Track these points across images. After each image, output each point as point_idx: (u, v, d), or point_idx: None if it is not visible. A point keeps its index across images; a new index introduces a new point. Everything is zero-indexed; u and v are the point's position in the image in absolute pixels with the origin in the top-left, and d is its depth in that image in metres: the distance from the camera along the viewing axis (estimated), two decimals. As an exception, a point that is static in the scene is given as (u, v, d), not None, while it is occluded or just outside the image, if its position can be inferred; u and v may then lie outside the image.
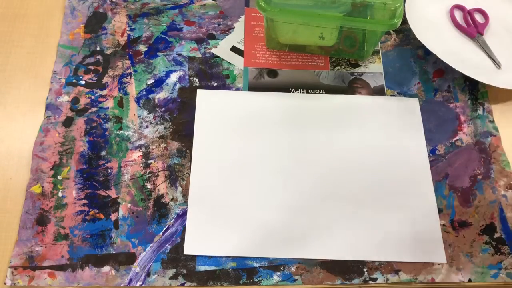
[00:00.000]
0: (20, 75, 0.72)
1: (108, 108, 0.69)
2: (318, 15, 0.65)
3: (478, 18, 0.80)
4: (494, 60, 0.75)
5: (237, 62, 0.74)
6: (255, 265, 0.59)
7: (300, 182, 0.64)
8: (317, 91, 0.72)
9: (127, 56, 0.74)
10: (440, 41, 0.76)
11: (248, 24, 0.78)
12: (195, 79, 0.72)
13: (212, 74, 0.73)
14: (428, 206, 0.63)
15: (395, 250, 0.60)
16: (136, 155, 0.66)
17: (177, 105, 0.70)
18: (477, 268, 0.60)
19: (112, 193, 0.63)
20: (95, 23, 0.77)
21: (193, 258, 0.59)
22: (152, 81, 0.72)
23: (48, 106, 0.69)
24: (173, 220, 0.62)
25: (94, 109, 0.69)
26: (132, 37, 0.76)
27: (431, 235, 0.61)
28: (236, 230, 0.61)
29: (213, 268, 0.59)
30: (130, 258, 0.59)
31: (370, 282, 0.59)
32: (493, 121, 0.71)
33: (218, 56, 0.75)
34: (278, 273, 0.59)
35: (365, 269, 0.59)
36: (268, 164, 0.65)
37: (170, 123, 0.68)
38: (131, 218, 0.61)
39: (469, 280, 0.59)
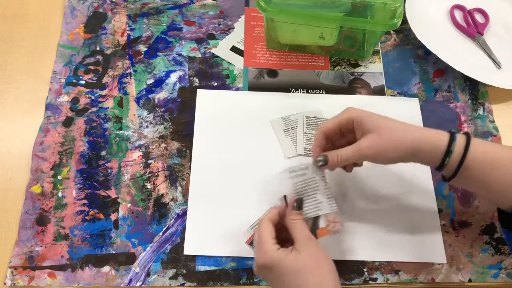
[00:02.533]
0: (20, 75, 0.72)
1: (108, 108, 0.69)
2: (318, 15, 0.65)
3: (478, 18, 0.80)
4: (494, 60, 0.75)
5: (237, 62, 0.74)
6: (255, 265, 0.59)
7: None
8: (317, 91, 0.72)
9: (127, 56, 0.74)
10: (440, 41, 0.76)
11: (248, 24, 0.78)
12: (195, 79, 0.72)
13: (212, 74, 0.73)
14: (428, 206, 0.63)
15: (395, 250, 0.60)
16: (136, 155, 0.66)
17: (177, 105, 0.70)
18: (477, 268, 0.60)
19: (112, 193, 0.63)
20: (95, 23, 0.77)
21: (193, 258, 0.59)
22: (152, 81, 0.72)
23: (48, 106, 0.69)
24: (173, 220, 0.61)
25: (94, 109, 0.69)
26: (132, 37, 0.76)
27: (431, 235, 0.61)
28: (236, 230, 0.61)
29: (213, 268, 0.59)
30: (130, 258, 0.59)
31: (370, 282, 0.59)
32: (493, 121, 0.71)
33: (218, 56, 0.75)
34: (278, 273, 0.59)
35: (365, 269, 0.59)
36: (268, 164, 0.65)
37: (170, 123, 0.68)
38: (131, 218, 0.61)
39: (469, 280, 0.59)
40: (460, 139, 0.50)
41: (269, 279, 0.50)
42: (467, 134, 0.51)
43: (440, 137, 0.51)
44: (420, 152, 0.51)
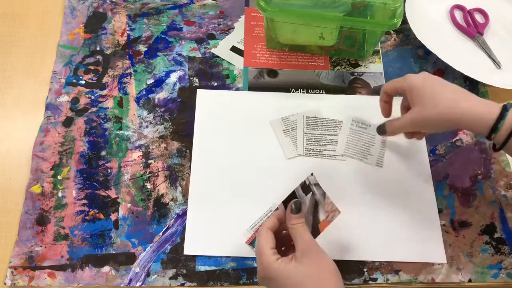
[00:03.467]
0: (20, 75, 0.72)
1: (108, 108, 0.69)
2: (318, 15, 0.65)
3: (478, 18, 0.80)
4: (494, 60, 0.75)
5: (237, 62, 0.74)
6: (255, 265, 0.59)
7: (301, 182, 0.64)
8: (317, 91, 0.72)
9: (127, 56, 0.74)
10: (440, 41, 0.76)
11: (248, 24, 0.78)
12: (195, 79, 0.72)
13: (212, 74, 0.73)
14: (428, 206, 0.63)
15: (395, 250, 0.60)
16: (136, 155, 0.66)
17: (177, 105, 0.70)
18: (477, 268, 0.60)
19: (112, 193, 0.63)
20: (95, 23, 0.77)
21: (193, 258, 0.59)
22: (152, 81, 0.72)
23: (48, 106, 0.69)
24: (173, 220, 0.61)
25: (94, 109, 0.69)
26: (132, 37, 0.76)
27: (431, 235, 0.61)
28: (236, 230, 0.61)
29: (213, 268, 0.59)
30: (130, 258, 0.59)
31: (370, 282, 0.59)
32: (493, 121, 0.71)
33: (218, 56, 0.75)
34: (278, 273, 0.59)
35: (365, 269, 0.59)
36: (268, 163, 0.65)
37: (170, 123, 0.68)
38: (131, 218, 0.61)
39: (469, 280, 0.59)
40: (511, 114, 0.50)
41: None
42: None
43: (490, 110, 0.51)
44: (466, 124, 0.53)
